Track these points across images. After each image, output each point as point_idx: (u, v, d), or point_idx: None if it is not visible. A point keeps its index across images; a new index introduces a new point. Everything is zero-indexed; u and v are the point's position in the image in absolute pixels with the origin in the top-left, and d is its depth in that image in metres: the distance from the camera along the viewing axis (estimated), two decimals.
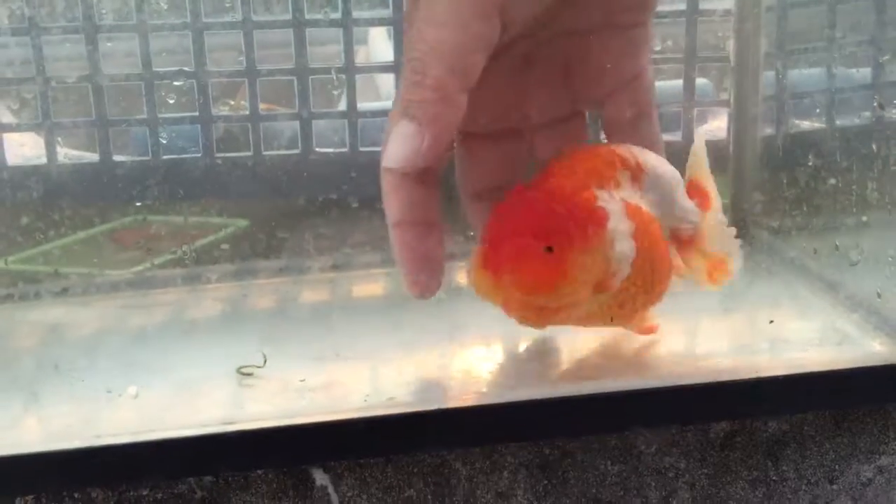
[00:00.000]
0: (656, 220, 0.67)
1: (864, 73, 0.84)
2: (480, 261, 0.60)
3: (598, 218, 0.61)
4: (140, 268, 0.93)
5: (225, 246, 0.95)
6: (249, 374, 0.70)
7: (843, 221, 0.81)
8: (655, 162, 0.69)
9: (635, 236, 0.63)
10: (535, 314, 0.63)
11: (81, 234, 0.94)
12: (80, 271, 0.92)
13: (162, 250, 0.93)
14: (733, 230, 0.72)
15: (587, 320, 0.67)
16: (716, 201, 0.73)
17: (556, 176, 0.64)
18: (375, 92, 1.12)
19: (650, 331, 0.73)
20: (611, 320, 0.67)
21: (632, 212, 0.64)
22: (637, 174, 0.66)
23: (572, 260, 0.59)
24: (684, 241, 0.71)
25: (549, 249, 0.59)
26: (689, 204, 0.71)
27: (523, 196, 0.61)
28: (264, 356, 0.71)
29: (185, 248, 0.93)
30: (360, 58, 0.96)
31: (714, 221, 0.72)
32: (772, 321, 0.76)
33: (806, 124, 0.90)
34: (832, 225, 0.83)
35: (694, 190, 0.72)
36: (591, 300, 0.63)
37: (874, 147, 0.76)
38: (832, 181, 0.82)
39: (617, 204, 0.63)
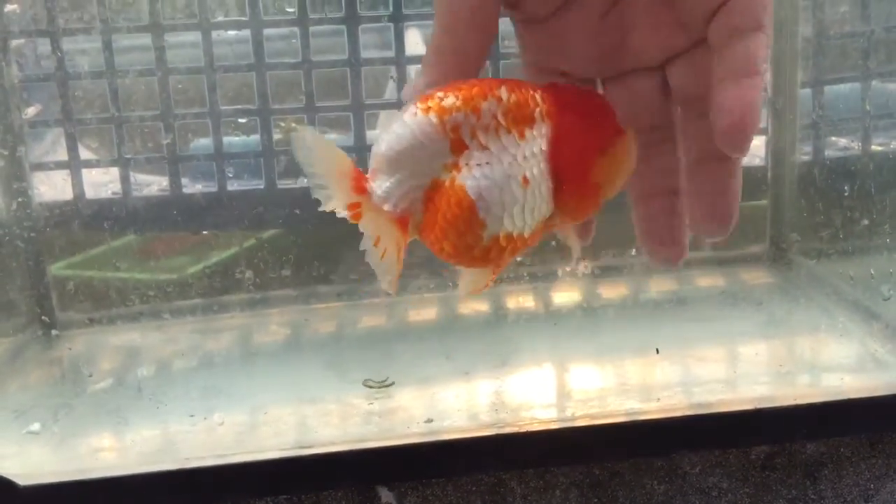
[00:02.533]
0: None
1: None
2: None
3: None
4: (192, 270, 0.98)
5: (286, 272, 1.00)
6: (372, 387, 0.75)
7: (879, 247, 0.84)
8: None
9: None
10: None
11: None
12: (140, 276, 0.98)
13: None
14: None
15: None
16: None
17: None
18: None
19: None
20: None
21: None
22: None
23: None
24: None
25: None
26: None
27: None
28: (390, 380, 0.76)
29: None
30: None
31: None
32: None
33: (842, 151, 0.94)
34: (868, 250, 0.87)
35: None
36: None
37: None
38: (867, 207, 0.85)
39: None
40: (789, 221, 1.00)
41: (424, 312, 0.97)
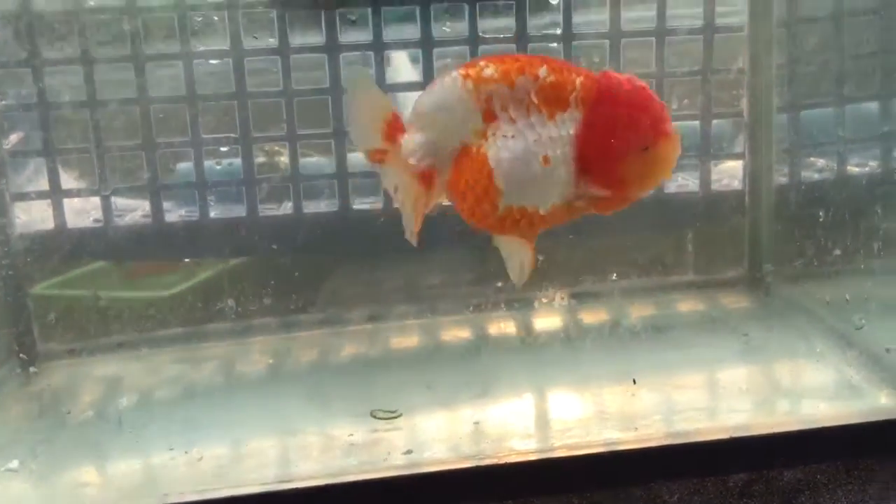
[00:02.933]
0: None
1: (872, 128, 0.88)
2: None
3: None
4: (176, 290, 0.99)
5: (268, 300, 1.00)
6: (381, 418, 0.75)
7: (854, 272, 0.85)
8: None
9: None
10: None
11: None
12: (119, 295, 0.98)
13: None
14: None
15: None
16: None
17: None
18: None
19: None
20: None
21: None
22: None
23: None
24: None
25: None
26: None
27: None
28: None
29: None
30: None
31: None
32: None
33: (818, 175, 0.95)
34: (844, 275, 0.88)
35: None
36: None
37: (878, 202, 0.80)
38: (843, 231, 0.86)
39: None
40: (766, 245, 1.01)
41: (406, 340, 0.97)
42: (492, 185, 0.57)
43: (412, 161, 0.58)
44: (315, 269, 1.04)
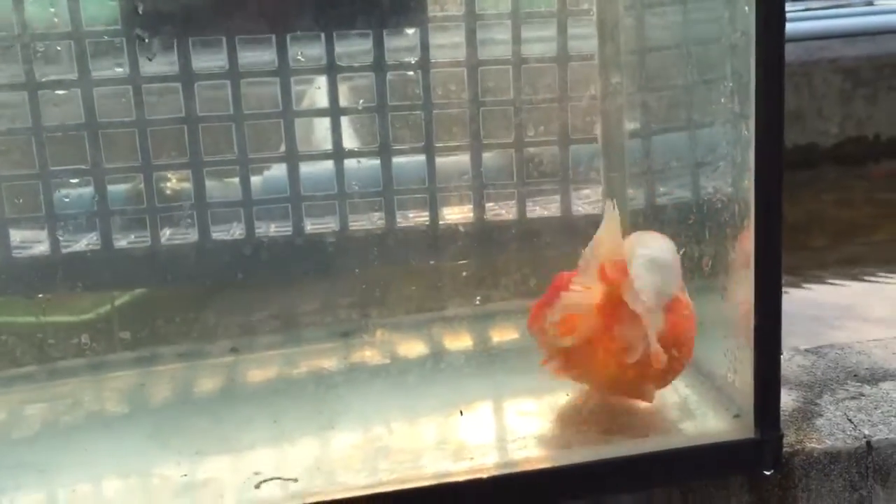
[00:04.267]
0: None
1: (704, 153, 0.89)
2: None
3: None
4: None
5: (125, 334, 0.98)
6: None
7: (692, 293, 0.86)
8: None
9: None
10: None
11: None
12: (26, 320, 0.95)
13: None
14: None
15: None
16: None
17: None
18: None
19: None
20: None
21: None
22: None
23: None
24: None
25: None
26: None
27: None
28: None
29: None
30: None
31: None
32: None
33: (662, 199, 0.96)
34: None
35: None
36: None
37: (707, 226, 0.81)
38: (683, 254, 0.88)
39: None
40: None
41: (264, 373, 0.96)
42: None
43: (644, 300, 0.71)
44: (177, 300, 1.02)
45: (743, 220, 0.72)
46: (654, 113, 0.95)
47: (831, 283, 1.90)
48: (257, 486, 0.71)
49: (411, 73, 0.99)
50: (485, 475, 0.71)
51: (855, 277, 1.94)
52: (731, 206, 0.75)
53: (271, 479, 0.72)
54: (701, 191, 0.83)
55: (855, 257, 2.11)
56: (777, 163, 0.68)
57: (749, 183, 0.70)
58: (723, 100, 0.75)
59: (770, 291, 0.70)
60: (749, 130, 0.69)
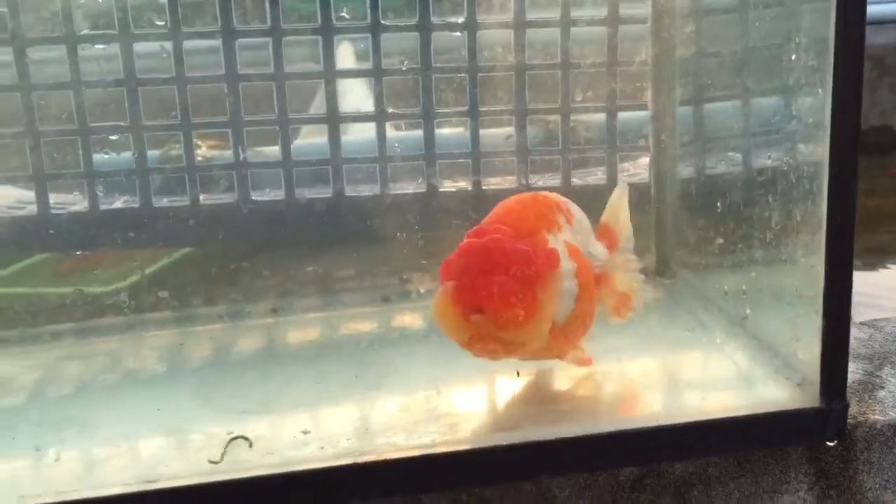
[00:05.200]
0: (587, 259, 0.74)
1: (767, 123, 0.87)
2: (451, 297, 0.64)
3: (554, 258, 0.67)
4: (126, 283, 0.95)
5: (163, 293, 0.97)
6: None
7: (749, 265, 0.84)
8: (575, 207, 0.77)
9: (578, 274, 0.70)
10: (503, 348, 0.66)
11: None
12: (61, 290, 0.94)
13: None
14: (638, 269, 0.82)
15: (539, 353, 0.71)
16: (626, 243, 0.82)
17: (512, 218, 0.70)
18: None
19: (587, 363, 0.77)
20: (559, 352, 0.73)
21: (572, 252, 0.71)
22: (568, 217, 0.75)
23: (542, 296, 0.65)
24: (596, 277, 0.77)
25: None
26: (599, 245, 0.79)
27: (487, 237, 0.66)
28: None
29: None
30: None
31: (620, 261, 0.80)
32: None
33: (719, 168, 0.94)
34: (741, 267, 0.87)
35: (603, 233, 0.81)
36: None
37: (770, 196, 0.79)
38: (740, 224, 0.86)
39: (561, 246, 0.70)
40: (672, 237, 1.00)
41: (304, 334, 0.95)
42: None
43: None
44: (216, 260, 1.00)
45: (812, 184, 0.70)
46: (712, 78, 0.92)
47: (859, 270, 1.88)
48: (306, 438, 0.69)
49: (458, 33, 0.97)
50: (533, 440, 0.70)
51: (884, 266, 1.92)
52: (799, 170, 0.72)
53: (317, 438, 0.71)
54: (764, 157, 0.81)
55: (881, 246, 2.09)
56: (854, 124, 0.65)
57: (822, 147, 0.67)
58: (794, 57, 0.72)
59: (841, 257, 0.68)
60: (825, 90, 0.66)
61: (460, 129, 1.01)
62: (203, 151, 1.00)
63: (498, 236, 0.66)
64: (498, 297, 0.62)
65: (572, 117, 0.99)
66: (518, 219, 0.70)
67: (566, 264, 0.69)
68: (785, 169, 0.75)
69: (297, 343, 0.93)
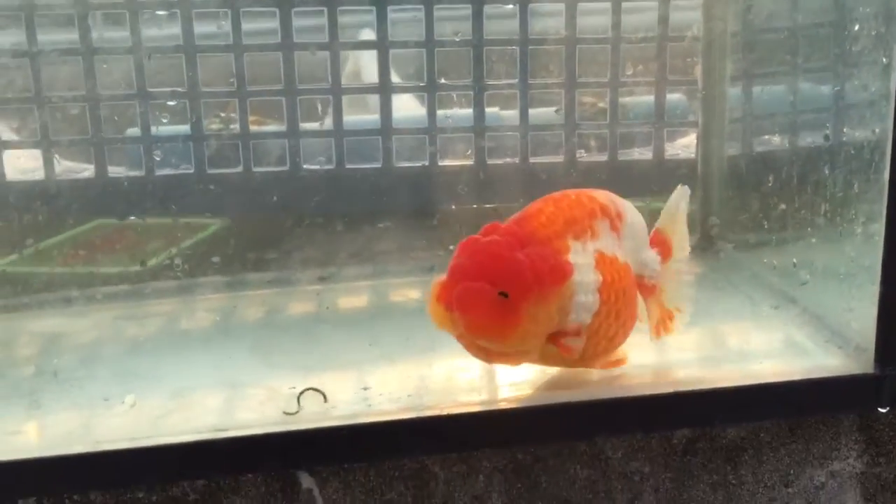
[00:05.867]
0: (630, 269, 0.70)
1: (823, 96, 0.88)
2: (437, 293, 0.63)
3: (560, 271, 0.63)
4: (155, 261, 0.97)
5: (215, 259, 0.98)
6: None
7: (801, 239, 0.85)
8: (630, 211, 0.72)
9: (602, 288, 0.66)
10: (484, 354, 0.65)
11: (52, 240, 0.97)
12: (81, 270, 0.95)
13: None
14: (691, 283, 0.77)
15: (544, 361, 0.69)
16: (680, 253, 0.76)
17: (536, 221, 0.66)
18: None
19: (616, 364, 0.73)
20: (573, 363, 0.70)
21: (604, 264, 0.67)
22: (616, 222, 0.70)
23: (525, 310, 0.61)
24: (646, 287, 0.74)
25: (504, 296, 0.60)
26: (652, 254, 0.74)
27: (491, 238, 0.63)
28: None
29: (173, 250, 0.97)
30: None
31: (673, 273, 0.75)
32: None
33: (769, 145, 0.95)
34: (791, 241, 0.88)
35: (657, 240, 0.75)
36: (548, 346, 0.65)
37: (826, 170, 0.80)
38: (791, 200, 0.87)
39: (589, 256, 0.66)
40: (718, 213, 1.01)
41: (354, 301, 0.96)
42: None
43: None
44: (266, 227, 1.02)
45: (874, 153, 0.70)
46: (767, 51, 0.93)
47: None
48: (366, 394, 0.71)
49: (510, 6, 0.98)
50: (590, 399, 0.71)
51: None
52: (860, 141, 0.73)
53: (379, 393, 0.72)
54: (822, 130, 0.81)
55: None
56: None
57: (886, 117, 0.68)
58: (857, 27, 0.73)
59: None
60: (891, 58, 0.67)
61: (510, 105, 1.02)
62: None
63: (500, 240, 0.63)
64: (471, 306, 0.60)
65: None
66: (545, 222, 0.65)
67: (586, 277, 0.65)
68: (845, 140, 0.76)
69: (347, 308, 0.95)
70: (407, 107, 1.04)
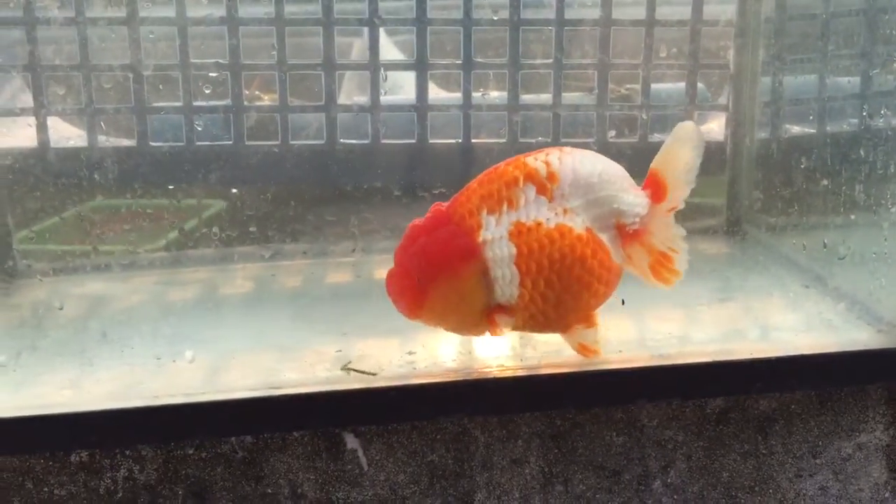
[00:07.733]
0: (572, 230, 0.68)
1: (854, 83, 0.90)
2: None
3: (462, 251, 0.67)
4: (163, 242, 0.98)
5: (252, 228, 1.00)
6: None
7: (831, 220, 0.87)
8: (577, 165, 0.69)
9: (519, 260, 0.67)
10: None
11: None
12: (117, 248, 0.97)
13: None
14: (680, 228, 0.72)
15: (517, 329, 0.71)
16: (676, 192, 0.71)
17: (457, 200, 0.69)
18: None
19: (586, 353, 0.73)
20: (538, 329, 0.72)
21: (521, 234, 0.67)
22: (546, 185, 0.68)
23: (432, 291, 0.68)
24: (628, 234, 0.71)
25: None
26: (631, 197, 0.71)
27: (415, 223, 0.70)
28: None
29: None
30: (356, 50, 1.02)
31: (662, 215, 0.71)
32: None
33: (799, 129, 0.97)
34: (821, 223, 0.90)
35: (650, 181, 0.72)
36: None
37: (861, 153, 0.82)
38: (822, 183, 0.89)
39: (503, 230, 0.67)
40: (747, 196, 1.03)
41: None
42: None
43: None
44: (301, 199, 1.04)
45: None
46: (801, 36, 0.95)
47: None
48: (412, 358, 0.73)
49: None
50: (630, 366, 0.73)
51: None
52: (893, 127, 0.75)
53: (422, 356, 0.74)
54: (857, 112, 0.83)
55: None
56: None
57: None
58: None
59: None
60: None
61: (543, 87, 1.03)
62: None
63: (418, 224, 0.69)
64: (389, 289, 0.70)
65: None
66: (463, 200, 0.69)
67: (499, 252, 0.67)
68: (878, 124, 0.78)
69: (383, 279, 0.96)
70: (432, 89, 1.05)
